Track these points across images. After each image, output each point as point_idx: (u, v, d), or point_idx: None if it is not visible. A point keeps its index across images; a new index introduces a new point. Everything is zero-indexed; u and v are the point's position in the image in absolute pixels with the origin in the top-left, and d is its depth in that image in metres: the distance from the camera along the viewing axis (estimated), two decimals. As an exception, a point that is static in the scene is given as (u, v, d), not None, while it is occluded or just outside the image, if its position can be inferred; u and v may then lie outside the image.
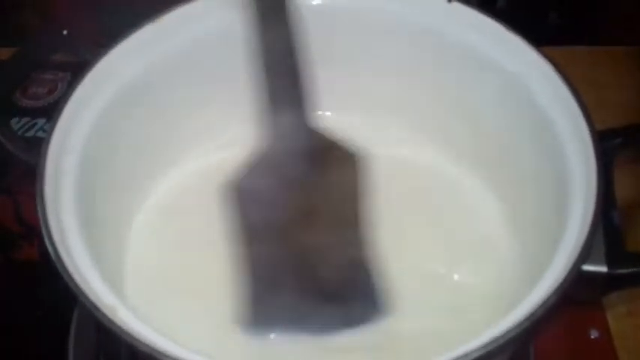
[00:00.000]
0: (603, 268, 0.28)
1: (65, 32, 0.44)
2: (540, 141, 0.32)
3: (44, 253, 0.28)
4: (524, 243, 0.34)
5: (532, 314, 0.25)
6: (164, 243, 0.35)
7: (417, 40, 0.36)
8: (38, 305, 0.40)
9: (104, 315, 0.26)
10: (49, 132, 0.31)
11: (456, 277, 0.33)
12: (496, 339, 0.24)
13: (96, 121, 0.32)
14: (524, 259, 0.33)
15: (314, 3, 0.36)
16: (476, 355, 0.24)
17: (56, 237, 0.28)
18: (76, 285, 0.26)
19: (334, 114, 0.38)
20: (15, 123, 0.48)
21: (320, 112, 0.37)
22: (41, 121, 0.48)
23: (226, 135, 0.39)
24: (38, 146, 0.30)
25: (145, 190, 0.37)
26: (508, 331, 0.24)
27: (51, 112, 0.32)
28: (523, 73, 0.33)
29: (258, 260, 0.31)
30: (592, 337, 0.39)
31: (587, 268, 0.28)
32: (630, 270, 0.28)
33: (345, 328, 0.31)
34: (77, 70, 0.33)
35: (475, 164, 0.37)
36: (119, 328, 0.25)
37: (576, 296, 0.28)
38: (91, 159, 0.32)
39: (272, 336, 0.32)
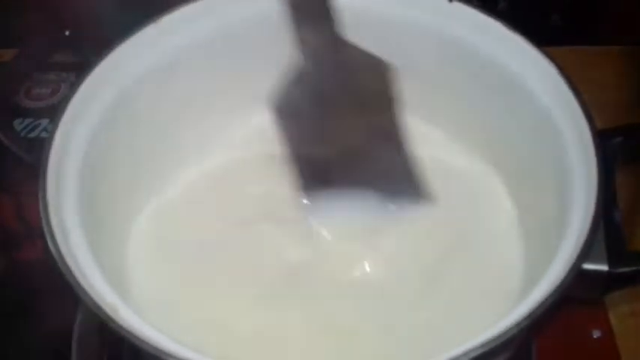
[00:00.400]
0: (604, 267, 0.28)
1: (67, 33, 0.44)
2: (541, 140, 0.32)
3: (46, 253, 0.28)
4: (525, 242, 0.34)
5: (532, 313, 0.25)
6: (167, 243, 0.35)
7: (417, 39, 0.36)
8: (40, 306, 0.40)
9: (106, 314, 0.26)
10: (51, 133, 0.31)
11: (456, 276, 0.33)
12: (496, 337, 0.24)
13: (98, 122, 0.33)
14: (526, 258, 0.33)
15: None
16: (476, 353, 0.24)
17: (58, 237, 0.28)
18: (78, 284, 0.27)
19: None
20: (18, 124, 0.48)
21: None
22: (44, 122, 0.49)
23: (230, 137, 0.39)
24: (41, 147, 0.31)
25: (148, 191, 0.37)
26: (508, 330, 0.24)
27: (54, 112, 0.32)
28: (524, 73, 0.33)
29: (305, 157, 0.34)
30: (594, 336, 0.38)
31: (588, 267, 0.28)
32: (631, 269, 0.28)
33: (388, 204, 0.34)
34: (80, 70, 0.33)
35: (475, 163, 0.37)
36: (121, 326, 0.25)
37: (577, 295, 0.28)
38: (93, 159, 0.32)
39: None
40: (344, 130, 0.34)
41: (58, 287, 0.27)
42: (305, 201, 0.35)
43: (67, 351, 0.37)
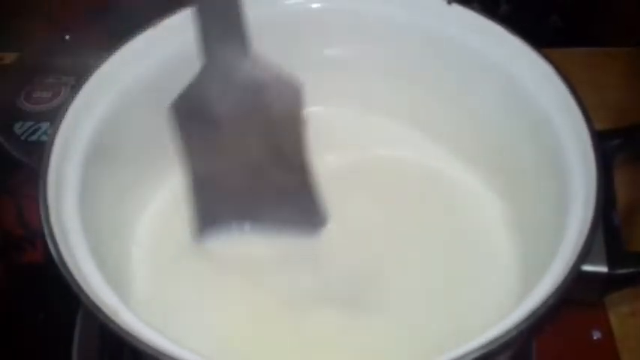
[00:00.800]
0: (604, 269, 0.28)
1: (67, 37, 0.44)
2: (540, 141, 0.32)
3: (47, 256, 0.28)
4: (524, 243, 0.34)
5: (531, 315, 0.25)
6: (168, 245, 0.36)
7: (416, 41, 0.36)
8: (41, 309, 0.40)
9: (106, 316, 0.26)
10: (51, 136, 0.31)
11: (455, 278, 0.33)
12: (496, 339, 0.24)
13: (98, 126, 0.33)
14: (525, 260, 0.33)
15: (313, 6, 0.37)
16: (475, 355, 0.24)
17: (59, 239, 0.28)
18: (78, 287, 0.27)
19: (330, 110, 0.39)
20: (18, 127, 0.48)
21: (317, 108, 0.38)
22: (45, 126, 0.49)
23: None
24: (41, 150, 0.31)
25: (149, 193, 0.37)
26: (507, 332, 0.24)
27: (54, 116, 0.32)
28: (523, 74, 0.33)
29: (204, 172, 0.34)
30: (594, 337, 0.38)
31: (588, 268, 0.28)
32: (631, 270, 0.28)
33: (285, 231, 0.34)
34: (80, 74, 0.33)
35: (475, 164, 0.37)
36: (121, 328, 0.25)
37: (577, 297, 0.28)
38: (94, 163, 0.32)
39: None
40: (244, 145, 0.33)
41: (59, 290, 0.27)
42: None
43: (68, 354, 0.37)
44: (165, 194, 0.37)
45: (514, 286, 0.32)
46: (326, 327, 0.32)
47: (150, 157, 0.36)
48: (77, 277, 0.27)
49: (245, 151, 0.33)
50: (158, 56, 0.35)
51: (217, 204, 0.34)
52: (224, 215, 0.34)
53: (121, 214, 0.35)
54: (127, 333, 0.25)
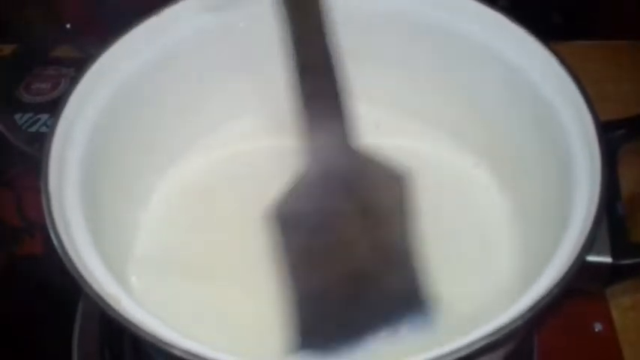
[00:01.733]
0: (608, 259, 0.28)
1: (68, 26, 0.44)
2: (544, 132, 0.32)
3: (47, 247, 0.28)
4: (529, 234, 0.34)
5: (536, 305, 0.25)
6: (171, 235, 0.35)
7: (419, 32, 0.36)
8: (40, 300, 0.40)
9: (108, 304, 0.26)
10: (53, 124, 0.31)
11: (459, 268, 0.33)
12: (500, 329, 0.24)
13: (99, 115, 0.32)
14: (529, 250, 0.33)
15: None
16: (479, 345, 0.24)
17: (60, 229, 0.28)
18: (80, 275, 0.26)
19: None
20: (18, 119, 0.48)
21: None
22: (44, 117, 0.48)
23: (233, 128, 0.39)
24: (42, 140, 0.30)
25: (152, 183, 0.37)
26: (512, 322, 0.24)
27: (54, 107, 0.32)
28: (526, 65, 0.33)
29: (305, 286, 0.30)
30: (596, 330, 0.38)
31: (592, 259, 0.28)
32: (635, 261, 0.28)
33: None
34: (80, 66, 0.33)
35: (479, 155, 0.37)
36: (122, 317, 0.25)
37: (581, 287, 0.28)
38: (95, 152, 0.32)
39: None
40: (348, 245, 0.30)
41: (58, 282, 0.27)
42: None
43: (68, 345, 0.37)
44: (169, 183, 0.37)
45: (520, 277, 0.32)
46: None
47: (152, 147, 0.36)
48: (79, 265, 0.27)
49: (349, 255, 0.30)
50: (160, 46, 0.35)
51: (319, 320, 0.30)
52: (325, 332, 0.30)
53: (125, 204, 0.35)
54: (129, 321, 0.25)
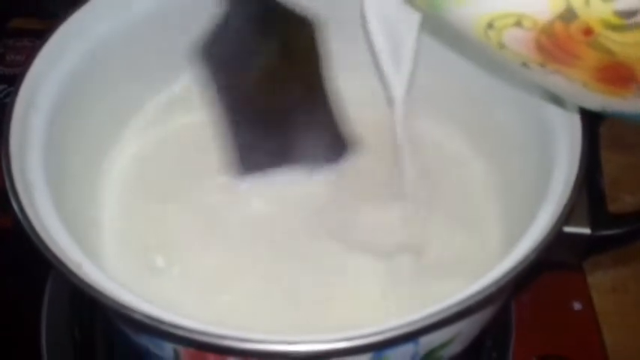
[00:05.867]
0: (586, 230, 0.27)
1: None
2: (523, 101, 0.32)
3: (8, 210, 0.27)
4: (509, 203, 0.33)
5: (509, 272, 0.24)
6: (137, 198, 0.35)
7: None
8: (10, 274, 0.39)
9: (69, 270, 0.25)
10: (16, 88, 0.30)
11: (442, 237, 0.33)
12: (474, 295, 0.24)
13: (64, 79, 0.32)
14: (509, 219, 0.32)
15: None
16: (453, 310, 0.23)
17: (21, 193, 0.27)
18: (40, 240, 0.25)
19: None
20: (-8, 90, 0.47)
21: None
22: (17, 89, 0.47)
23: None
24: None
25: (117, 146, 0.36)
26: (487, 287, 0.24)
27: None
28: None
29: (236, 118, 0.33)
30: (575, 308, 0.38)
31: (571, 229, 0.27)
32: (613, 232, 0.28)
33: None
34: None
35: (461, 127, 0.37)
36: (83, 282, 0.24)
37: (560, 258, 0.28)
38: (59, 116, 0.31)
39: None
40: (271, 83, 0.33)
41: (29, 256, 0.26)
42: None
43: (38, 322, 0.36)
44: (134, 146, 0.36)
45: (500, 246, 0.31)
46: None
47: (117, 111, 0.35)
48: (39, 230, 0.26)
49: (271, 93, 0.33)
50: (126, 10, 0.34)
51: (251, 148, 0.34)
52: (258, 159, 0.34)
53: (89, 168, 0.34)
54: (89, 286, 0.24)
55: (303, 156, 0.35)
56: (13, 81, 0.47)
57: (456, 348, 0.28)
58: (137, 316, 0.23)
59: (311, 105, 0.34)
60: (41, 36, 0.49)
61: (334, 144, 0.35)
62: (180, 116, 0.37)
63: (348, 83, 0.35)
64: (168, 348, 0.26)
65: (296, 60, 0.33)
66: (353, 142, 0.36)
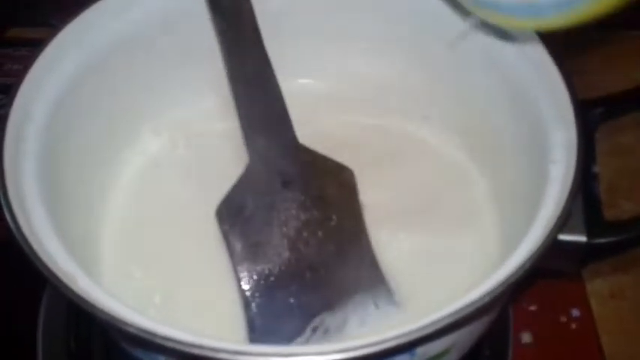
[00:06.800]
0: (582, 238, 0.27)
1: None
2: (518, 107, 0.31)
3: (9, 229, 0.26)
4: (504, 211, 0.33)
5: (506, 280, 0.24)
6: (138, 213, 0.34)
7: (391, 12, 0.35)
8: (6, 285, 0.39)
9: (63, 283, 0.24)
10: (11, 98, 0.30)
11: (437, 245, 0.33)
12: (469, 305, 0.23)
13: (61, 88, 0.31)
14: (505, 227, 0.32)
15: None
16: (450, 320, 0.23)
17: (15, 206, 0.27)
18: (34, 253, 0.25)
19: (313, 81, 0.38)
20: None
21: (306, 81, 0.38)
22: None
23: (201, 102, 0.37)
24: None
25: (116, 160, 0.36)
26: (482, 297, 0.24)
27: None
28: (500, 44, 0.32)
29: (258, 277, 0.31)
30: (573, 315, 0.38)
31: (567, 237, 0.27)
32: (609, 239, 0.27)
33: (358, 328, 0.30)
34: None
35: (456, 132, 0.37)
36: (78, 296, 0.24)
37: (556, 267, 0.28)
38: (56, 127, 0.31)
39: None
40: (300, 240, 0.31)
41: (25, 270, 0.26)
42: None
43: (34, 335, 0.35)
44: (135, 160, 0.36)
45: (495, 253, 0.31)
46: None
47: (117, 123, 0.35)
48: (32, 241, 0.26)
49: (301, 252, 0.31)
50: (125, 19, 0.33)
51: (275, 311, 0.30)
52: (285, 323, 0.30)
53: (88, 181, 0.33)
54: (85, 300, 0.24)
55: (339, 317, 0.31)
56: (11, 90, 0.48)
57: (452, 357, 0.28)
58: (132, 330, 0.23)
59: (348, 262, 0.31)
60: (39, 45, 0.50)
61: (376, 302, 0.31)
62: (191, 130, 0.37)
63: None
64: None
65: (331, 212, 0.31)
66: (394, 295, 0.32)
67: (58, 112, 0.31)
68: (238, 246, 0.31)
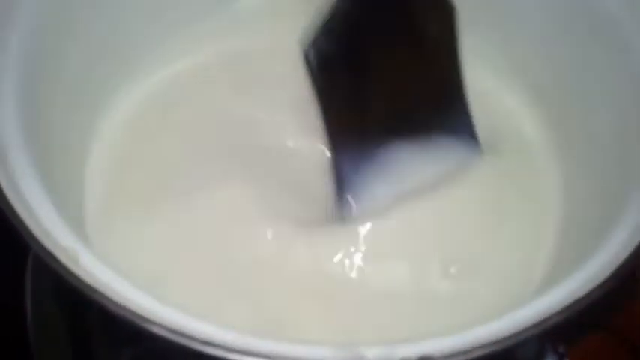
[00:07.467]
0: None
1: None
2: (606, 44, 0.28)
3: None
4: (578, 209, 0.29)
5: (543, 321, 0.20)
6: (129, 163, 0.31)
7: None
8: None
9: (61, 264, 0.21)
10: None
11: (500, 239, 0.30)
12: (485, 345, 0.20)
13: (42, 16, 0.27)
14: (579, 227, 0.28)
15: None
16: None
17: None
18: (21, 223, 0.21)
19: None
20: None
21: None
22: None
23: (193, 37, 0.34)
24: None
25: (105, 105, 0.32)
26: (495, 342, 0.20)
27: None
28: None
29: (349, 138, 0.29)
30: None
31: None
32: None
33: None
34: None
35: (538, 113, 0.33)
36: (83, 283, 0.20)
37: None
38: (37, 63, 0.26)
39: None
40: (391, 81, 0.28)
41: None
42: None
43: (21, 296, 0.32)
44: (126, 103, 0.32)
45: (539, 271, 0.29)
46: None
47: (105, 63, 0.31)
48: (20, 210, 0.21)
49: (394, 96, 0.29)
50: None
51: (364, 164, 0.29)
52: (372, 177, 0.29)
53: (74, 129, 0.29)
54: (89, 286, 0.20)
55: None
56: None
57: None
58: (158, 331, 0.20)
59: (443, 107, 0.29)
60: None
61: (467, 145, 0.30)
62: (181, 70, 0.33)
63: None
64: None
65: (428, 53, 0.28)
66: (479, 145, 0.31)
67: (38, 39, 0.26)
68: (329, 95, 0.28)
